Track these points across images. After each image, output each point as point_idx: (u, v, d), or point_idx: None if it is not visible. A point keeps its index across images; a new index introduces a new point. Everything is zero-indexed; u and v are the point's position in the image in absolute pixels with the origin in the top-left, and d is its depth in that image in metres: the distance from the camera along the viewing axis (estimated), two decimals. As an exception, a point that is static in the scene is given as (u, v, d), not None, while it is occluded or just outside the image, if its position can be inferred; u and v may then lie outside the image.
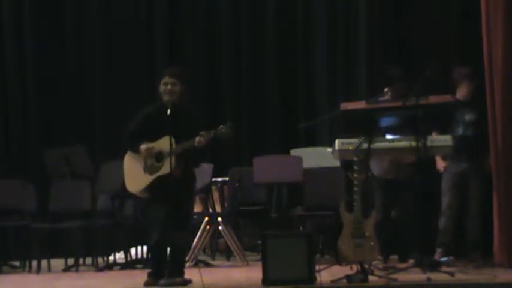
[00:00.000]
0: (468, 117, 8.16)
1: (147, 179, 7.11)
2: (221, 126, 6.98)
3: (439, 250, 8.13)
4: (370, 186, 8.43)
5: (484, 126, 7.97)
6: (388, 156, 7.95)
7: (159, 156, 7.06)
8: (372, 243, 6.98)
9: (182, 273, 7.08)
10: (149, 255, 7.84)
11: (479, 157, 8.06)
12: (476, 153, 8.06)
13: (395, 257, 8.41)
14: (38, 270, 8.89)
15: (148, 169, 7.11)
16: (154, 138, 7.08)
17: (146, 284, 7.07)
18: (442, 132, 7.82)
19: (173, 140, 6.93)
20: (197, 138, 6.91)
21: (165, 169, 6.97)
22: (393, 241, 8.35)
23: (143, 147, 7.09)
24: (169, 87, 7.08)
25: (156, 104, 7.22)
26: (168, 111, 6.98)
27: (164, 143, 6.98)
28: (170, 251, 7.07)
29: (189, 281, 7.03)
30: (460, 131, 8.15)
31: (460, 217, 8.23)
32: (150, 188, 7.12)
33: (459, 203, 8.19)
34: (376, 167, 8.23)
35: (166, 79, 7.11)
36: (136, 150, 7.15)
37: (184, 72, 7.29)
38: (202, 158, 7.44)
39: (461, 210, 8.20)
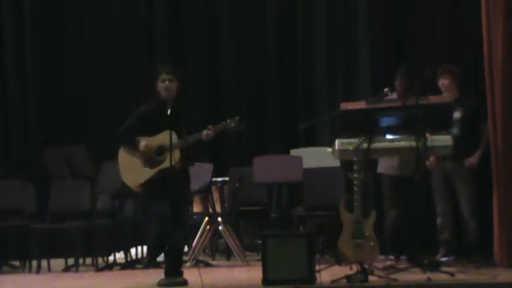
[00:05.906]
0: (455, 115, 8.03)
1: (149, 172, 7.10)
2: (228, 120, 7.00)
3: (441, 249, 8.12)
4: (373, 185, 8.44)
5: (471, 125, 7.93)
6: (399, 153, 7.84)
7: (160, 150, 7.06)
8: (372, 243, 6.98)
9: (181, 273, 7.08)
10: (148, 251, 7.83)
11: (463, 156, 7.96)
12: (461, 152, 7.85)
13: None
14: (38, 270, 8.89)
15: (149, 163, 7.11)
16: (152, 134, 7.08)
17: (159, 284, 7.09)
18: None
19: (174, 135, 6.94)
20: (205, 132, 6.94)
21: (167, 162, 6.97)
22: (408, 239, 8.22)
23: (143, 143, 7.07)
24: (166, 83, 7.11)
25: (152, 102, 7.23)
26: (168, 111, 7.01)
27: (165, 137, 6.98)
28: (169, 250, 7.07)
29: (186, 281, 7.03)
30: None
31: (458, 216, 8.20)
32: (151, 181, 7.11)
33: (453, 202, 8.14)
34: (385, 164, 8.21)
35: (163, 76, 7.14)
36: (131, 145, 7.12)
37: (178, 70, 7.32)
38: (199, 157, 7.45)
39: (458, 210, 8.17)
